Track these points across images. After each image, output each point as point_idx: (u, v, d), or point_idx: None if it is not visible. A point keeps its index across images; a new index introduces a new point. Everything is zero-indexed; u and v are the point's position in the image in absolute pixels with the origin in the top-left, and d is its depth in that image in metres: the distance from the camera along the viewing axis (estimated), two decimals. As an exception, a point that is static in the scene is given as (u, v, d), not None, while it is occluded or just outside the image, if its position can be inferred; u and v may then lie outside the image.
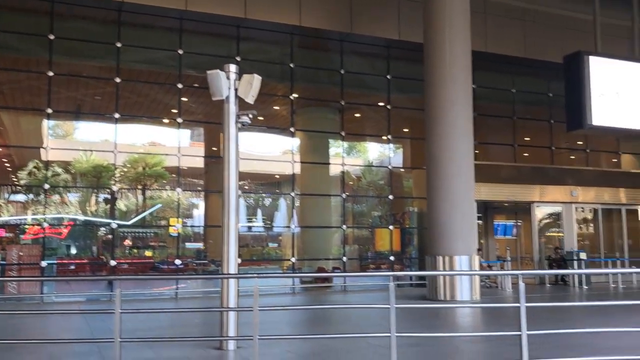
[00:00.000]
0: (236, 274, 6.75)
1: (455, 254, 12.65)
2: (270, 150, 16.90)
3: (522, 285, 5.21)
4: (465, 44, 13.30)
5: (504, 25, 17.74)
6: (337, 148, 17.29)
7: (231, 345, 6.85)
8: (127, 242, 16.46)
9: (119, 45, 14.38)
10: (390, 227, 17.36)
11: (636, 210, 20.82)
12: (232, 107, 7.46)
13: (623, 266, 19.14)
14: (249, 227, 17.02)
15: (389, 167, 17.48)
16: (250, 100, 7.36)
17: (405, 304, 11.70)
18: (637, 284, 17.57)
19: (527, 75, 19.40)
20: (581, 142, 19.94)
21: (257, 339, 5.05)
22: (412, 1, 15.56)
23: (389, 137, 17.42)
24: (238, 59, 14.86)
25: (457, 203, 12.84)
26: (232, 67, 7.51)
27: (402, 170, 18.27)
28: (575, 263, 17.22)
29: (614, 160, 20.75)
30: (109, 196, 16.09)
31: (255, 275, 5.54)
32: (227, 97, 7.43)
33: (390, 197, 17.40)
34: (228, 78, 7.45)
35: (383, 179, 17.91)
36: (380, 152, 18.18)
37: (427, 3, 13.64)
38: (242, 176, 16.52)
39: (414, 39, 14.78)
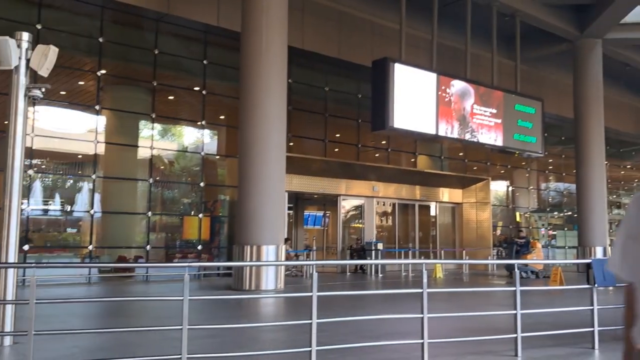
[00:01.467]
0: (11, 263, 6.11)
1: (263, 243, 12.77)
2: (72, 128, 15.58)
3: (315, 275, 5.42)
4: (282, 37, 13.47)
5: (321, 25, 18.39)
6: (147, 130, 16.55)
7: (7, 341, 6.25)
8: None
9: None
10: (200, 215, 17.14)
11: (428, 206, 23.03)
12: (22, 79, 6.76)
13: (414, 256, 21.08)
14: (45, 211, 15.56)
15: (202, 153, 17.24)
16: (44, 73, 6.75)
17: (206, 295, 11.70)
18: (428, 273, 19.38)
19: (340, 75, 20.39)
20: (384, 142, 21.45)
21: (33, 334, 4.62)
22: (232, -12, 15.45)
23: (203, 122, 17.17)
24: (39, 26, 13.52)
25: (267, 193, 12.97)
26: (25, 35, 6.85)
27: (216, 157, 18.11)
28: (373, 253, 18.58)
29: (411, 160, 22.66)
30: None
31: (33, 264, 5.05)
32: (17, 68, 6.74)
33: (202, 184, 17.17)
34: (19, 47, 6.77)
35: (197, 166, 17.56)
36: (195, 138, 17.78)
37: (245, -8, 13.60)
38: (39, 154, 15.14)
39: (233, 27, 14.68)
